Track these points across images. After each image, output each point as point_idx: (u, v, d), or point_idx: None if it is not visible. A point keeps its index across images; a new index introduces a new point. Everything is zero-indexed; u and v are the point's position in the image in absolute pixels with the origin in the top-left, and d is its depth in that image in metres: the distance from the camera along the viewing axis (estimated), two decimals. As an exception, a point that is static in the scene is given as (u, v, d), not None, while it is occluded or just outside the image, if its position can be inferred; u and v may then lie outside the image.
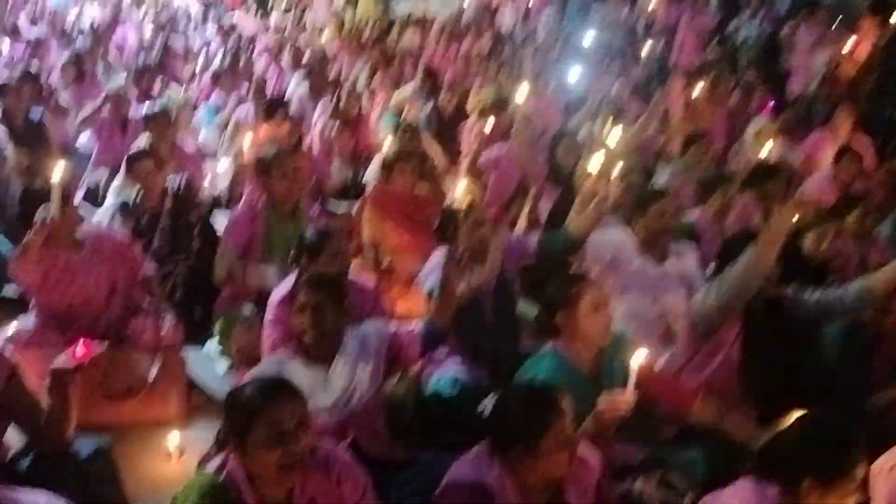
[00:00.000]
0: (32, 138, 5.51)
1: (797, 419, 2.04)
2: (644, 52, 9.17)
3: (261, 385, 2.04)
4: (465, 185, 3.17)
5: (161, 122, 4.95)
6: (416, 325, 2.76)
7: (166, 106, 5.48)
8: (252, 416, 1.91)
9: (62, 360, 2.40)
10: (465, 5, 13.60)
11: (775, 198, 4.42)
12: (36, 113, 5.73)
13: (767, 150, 5.25)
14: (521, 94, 5.33)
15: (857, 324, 2.98)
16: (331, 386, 2.59)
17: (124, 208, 4.16)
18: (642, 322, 3.43)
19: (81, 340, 2.46)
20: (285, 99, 7.09)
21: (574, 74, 8.00)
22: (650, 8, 10.75)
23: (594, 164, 3.56)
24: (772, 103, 6.87)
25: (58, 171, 2.99)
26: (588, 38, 10.27)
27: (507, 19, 12.85)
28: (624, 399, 2.32)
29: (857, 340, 2.96)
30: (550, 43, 10.68)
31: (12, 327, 3.28)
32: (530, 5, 12.96)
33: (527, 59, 9.50)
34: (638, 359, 2.34)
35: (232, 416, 1.99)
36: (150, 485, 2.73)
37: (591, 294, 2.71)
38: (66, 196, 3.29)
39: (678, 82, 7.64)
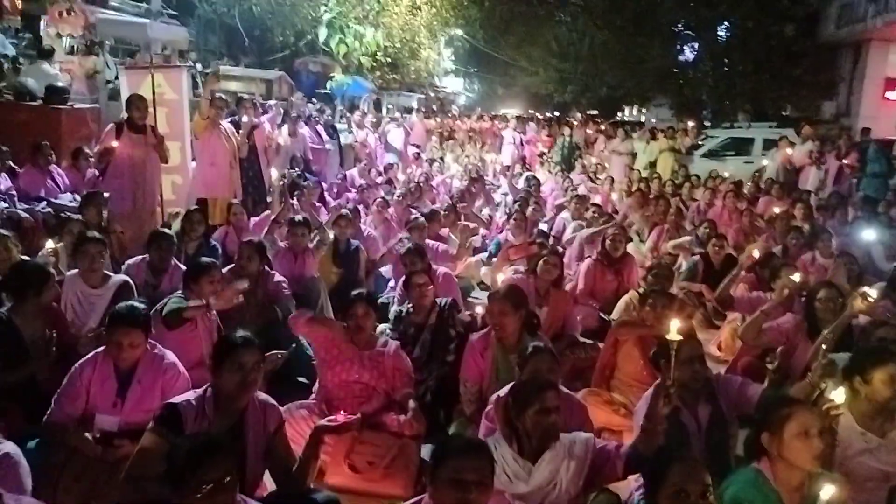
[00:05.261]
0: (351, 261, 6.84)
1: None
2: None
3: (462, 443, 2.56)
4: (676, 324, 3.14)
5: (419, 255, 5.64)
6: (624, 446, 2.96)
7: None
8: (441, 460, 2.37)
9: (324, 422, 3.00)
10: (765, 166, 13.39)
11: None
12: (353, 242, 6.98)
13: None
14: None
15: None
16: (534, 477, 2.88)
17: (397, 319, 4.89)
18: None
19: (342, 411, 3.06)
20: (563, 243, 7.71)
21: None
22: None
23: None
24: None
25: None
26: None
27: (811, 181, 12.36)
28: None
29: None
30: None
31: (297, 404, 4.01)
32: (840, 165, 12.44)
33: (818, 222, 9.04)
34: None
35: (434, 458, 2.45)
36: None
37: (800, 418, 2.71)
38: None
39: None
